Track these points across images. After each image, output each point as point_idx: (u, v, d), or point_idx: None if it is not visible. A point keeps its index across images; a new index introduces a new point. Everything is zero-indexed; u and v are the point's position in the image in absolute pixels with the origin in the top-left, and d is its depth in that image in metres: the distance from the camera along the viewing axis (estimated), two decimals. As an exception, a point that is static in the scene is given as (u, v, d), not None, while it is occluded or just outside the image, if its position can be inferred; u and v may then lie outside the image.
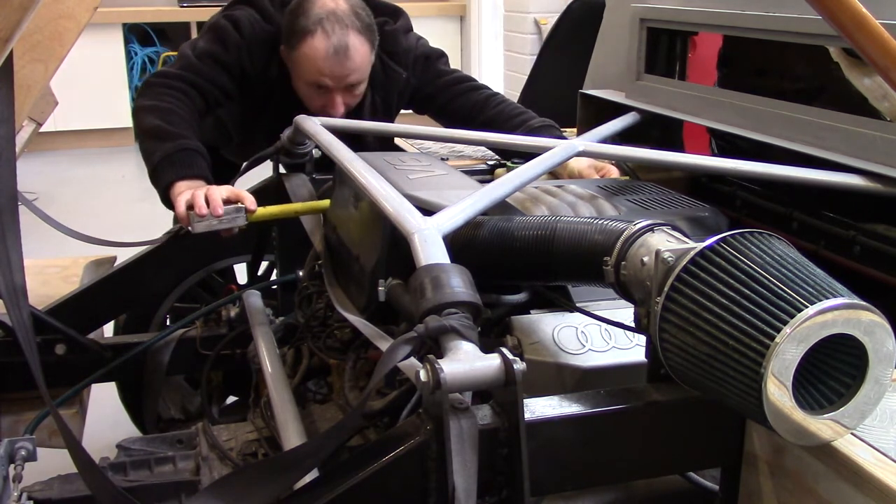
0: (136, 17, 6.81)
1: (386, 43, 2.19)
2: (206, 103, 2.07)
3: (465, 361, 0.87)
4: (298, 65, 2.06)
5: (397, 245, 1.22)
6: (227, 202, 1.69)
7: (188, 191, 1.72)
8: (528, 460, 0.89)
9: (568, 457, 0.96)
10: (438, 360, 0.86)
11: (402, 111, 2.40)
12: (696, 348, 0.88)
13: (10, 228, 1.20)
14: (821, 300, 0.82)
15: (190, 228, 1.68)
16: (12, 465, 1.33)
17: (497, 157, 2.16)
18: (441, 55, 2.33)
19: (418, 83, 2.27)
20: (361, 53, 2.03)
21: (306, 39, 2.00)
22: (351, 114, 2.18)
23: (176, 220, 2.49)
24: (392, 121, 2.34)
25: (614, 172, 1.87)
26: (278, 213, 1.76)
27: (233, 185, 1.85)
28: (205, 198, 1.68)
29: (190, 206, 1.68)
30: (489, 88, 2.29)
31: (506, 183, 1.37)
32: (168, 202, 1.83)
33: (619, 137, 1.89)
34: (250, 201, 1.69)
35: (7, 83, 1.23)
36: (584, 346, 1.16)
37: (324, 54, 2.00)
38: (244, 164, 2.15)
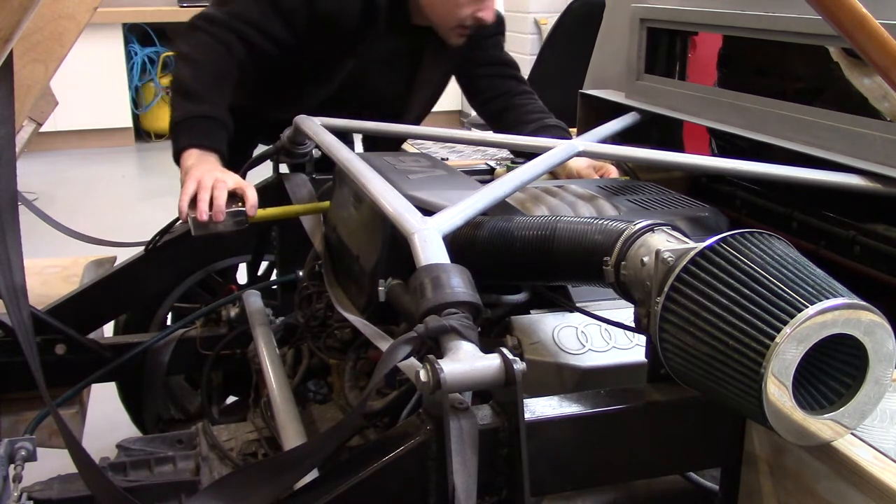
0: (136, 17, 6.81)
1: None
2: (251, 56, 1.93)
3: (465, 361, 0.87)
4: None
5: (397, 245, 1.22)
6: (232, 194, 1.65)
7: (195, 178, 1.66)
8: (528, 460, 0.89)
9: (568, 457, 0.96)
10: (438, 360, 0.86)
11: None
12: (697, 348, 0.88)
13: (10, 228, 1.20)
14: (821, 300, 0.82)
15: (189, 226, 1.65)
16: (12, 465, 1.33)
17: (511, 156, 2.15)
18: (504, 23, 2.29)
19: (485, 39, 2.21)
20: None
21: None
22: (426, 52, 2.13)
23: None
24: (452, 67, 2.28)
25: (613, 172, 1.87)
26: (279, 214, 1.75)
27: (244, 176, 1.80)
28: (209, 197, 1.63)
29: (193, 201, 1.63)
30: (527, 84, 2.26)
31: (506, 183, 1.37)
32: (178, 162, 1.78)
33: (619, 137, 1.89)
34: (251, 204, 1.64)
35: (7, 83, 1.23)
36: (584, 346, 1.16)
37: None
38: (247, 162, 2.14)
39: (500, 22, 2.24)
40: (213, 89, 1.85)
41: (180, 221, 1.97)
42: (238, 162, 1.91)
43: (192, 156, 1.74)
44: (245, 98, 1.94)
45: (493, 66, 2.24)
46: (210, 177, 1.66)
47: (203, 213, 1.61)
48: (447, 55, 2.19)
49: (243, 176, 1.82)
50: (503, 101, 2.20)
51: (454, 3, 2.00)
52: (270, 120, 2.15)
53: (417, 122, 2.32)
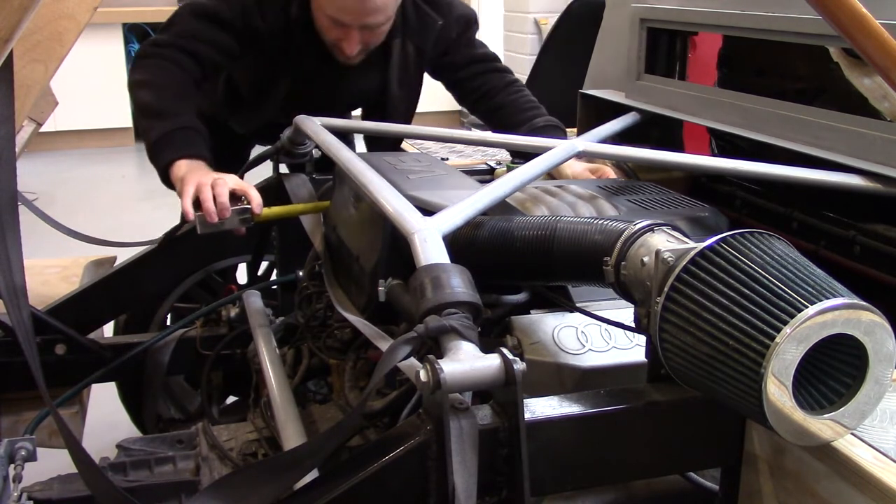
0: (136, 17, 6.81)
1: None
2: (203, 70, 1.96)
3: (465, 361, 0.87)
4: None
5: (397, 245, 1.22)
6: (233, 195, 1.64)
7: (193, 181, 1.66)
8: (528, 460, 0.89)
9: (568, 457, 0.96)
10: (438, 360, 0.86)
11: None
12: (697, 348, 0.88)
13: (10, 228, 1.20)
14: (821, 300, 0.82)
15: (196, 226, 1.64)
16: (12, 465, 1.33)
17: (507, 156, 2.15)
18: (476, 20, 2.26)
19: (454, 41, 2.19)
20: None
21: None
22: (378, 60, 2.10)
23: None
24: (424, 69, 2.25)
25: (609, 174, 1.87)
26: (283, 213, 1.75)
27: (241, 177, 1.80)
28: (212, 195, 1.62)
29: (196, 202, 1.63)
30: (511, 73, 2.25)
31: (506, 183, 1.37)
32: (168, 182, 1.78)
33: (619, 137, 1.89)
34: (256, 202, 1.64)
35: (7, 83, 1.23)
36: (584, 346, 1.16)
37: None
38: (247, 163, 2.14)
39: (465, 21, 2.21)
40: (179, 104, 1.85)
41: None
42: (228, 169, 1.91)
43: (182, 166, 1.73)
44: (211, 109, 1.98)
45: (470, 66, 2.22)
46: (208, 178, 1.66)
47: (211, 212, 1.61)
48: (417, 62, 2.18)
49: (241, 178, 1.82)
50: (492, 100, 2.18)
51: (324, 27, 1.99)
52: (236, 132, 2.26)
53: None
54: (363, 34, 1.97)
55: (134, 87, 1.91)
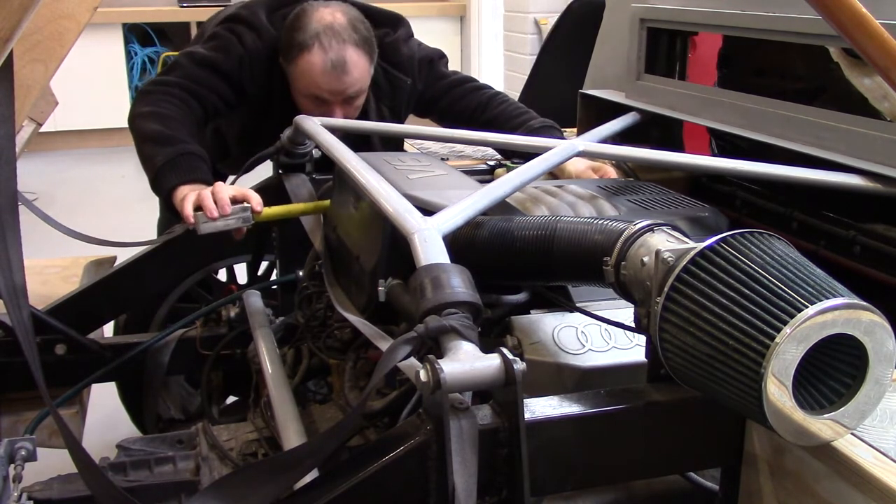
0: (136, 17, 6.81)
1: (387, 54, 2.18)
2: (205, 112, 2.05)
3: (465, 361, 0.87)
4: (296, 78, 2.05)
5: (397, 245, 1.22)
6: (233, 201, 1.67)
7: (193, 193, 1.71)
8: (528, 460, 0.89)
9: (568, 457, 0.96)
10: (438, 360, 0.86)
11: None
12: (696, 348, 0.88)
13: (10, 228, 1.20)
14: (821, 300, 0.82)
15: (196, 230, 1.66)
16: (12, 465, 1.33)
17: (498, 156, 2.16)
18: (441, 56, 2.32)
19: (424, 87, 2.27)
20: (360, 67, 2.02)
21: (303, 54, 1.99)
22: None
23: (162, 222, 2.49)
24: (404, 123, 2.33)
25: (612, 174, 1.87)
26: (284, 213, 1.76)
27: (233, 183, 1.84)
28: (212, 198, 1.66)
29: (197, 207, 1.66)
30: (491, 88, 2.29)
31: (506, 183, 1.37)
32: (172, 207, 1.81)
33: (619, 137, 1.89)
34: (256, 201, 1.67)
35: (7, 83, 1.23)
36: (584, 346, 1.16)
37: (321, 69, 1.99)
38: (247, 162, 2.15)
39: (428, 61, 2.26)
40: (184, 132, 1.90)
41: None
42: None
43: (185, 190, 1.76)
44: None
45: (448, 94, 2.26)
46: (208, 188, 1.71)
47: (211, 209, 1.64)
48: (394, 122, 2.25)
49: (234, 183, 1.88)
50: (481, 116, 2.21)
51: (305, 108, 2.06)
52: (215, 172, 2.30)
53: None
54: (344, 108, 2.07)
55: (138, 118, 1.95)
